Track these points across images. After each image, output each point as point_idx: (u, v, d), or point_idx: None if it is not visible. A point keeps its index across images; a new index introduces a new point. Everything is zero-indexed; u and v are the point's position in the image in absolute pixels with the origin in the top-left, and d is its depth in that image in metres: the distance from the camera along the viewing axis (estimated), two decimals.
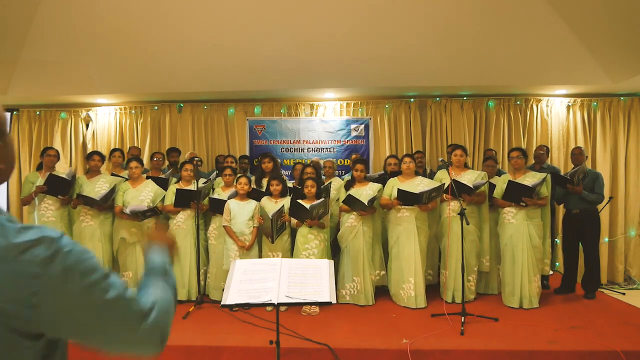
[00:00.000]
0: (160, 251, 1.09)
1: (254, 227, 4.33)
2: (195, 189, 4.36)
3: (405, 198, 4.21)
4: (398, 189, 4.25)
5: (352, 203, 4.30)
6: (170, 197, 4.53)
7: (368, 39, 5.00)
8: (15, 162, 0.87)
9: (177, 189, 4.43)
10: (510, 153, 4.54)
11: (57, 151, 4.82)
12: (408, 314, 4.09)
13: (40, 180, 4.57)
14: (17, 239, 0.72)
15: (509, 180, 4.27)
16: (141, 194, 4.53)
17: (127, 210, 4.32)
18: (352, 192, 4.44)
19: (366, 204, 4.21)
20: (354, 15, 4.80)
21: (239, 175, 4.63)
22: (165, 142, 6.24)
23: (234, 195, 4.45)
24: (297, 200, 4.15)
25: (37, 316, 0.72)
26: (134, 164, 4.62)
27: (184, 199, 4.43)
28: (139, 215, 4.33)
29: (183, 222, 4.52)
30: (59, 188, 4.51)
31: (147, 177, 4.79)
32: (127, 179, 4.70)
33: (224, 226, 4.33)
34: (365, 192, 4.43)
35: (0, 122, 0.82)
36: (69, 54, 5.10)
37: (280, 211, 4.14)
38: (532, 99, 6.06)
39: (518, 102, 6.08)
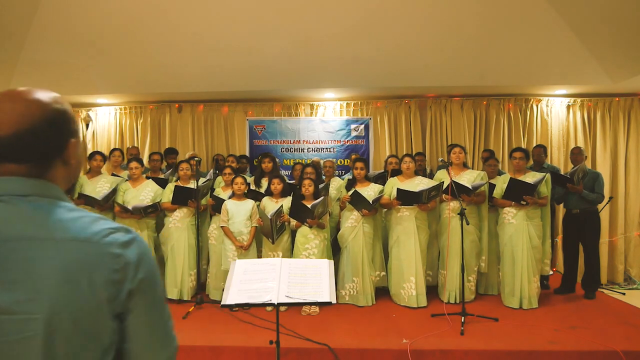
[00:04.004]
0: None
1: (252, 226, 4.33)
2: (195, 187, 4.37)
3: (405, 197, 4.20)
4: (397, 189, 4.24)
5: (356, 201, 4.29)
6: (167, 195, 4.54)
7: (368, 39, 5.00)
8: (82, 163, 0.95)
9: (175, 186, 4.44)
10: (513, 153, 4.51)
11: None
12: (408, 314, 4.09)
13: None
14: (99, 227, 0.81)
15: (511, 178, 4.25)
16: (141, 194, 4.54)
17: (129, 207, 4.36)
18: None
19: (371, 202, 4.21)
20: (354, 15, 4.80)
21: (235, 175, 4.63)
22: (165, 142, 6.24)
23: (234, 195, 4.45)
24: (300, 201, 4.15)
25: (118, 293, 0.79)
26: (134, 164, 4.62)
27: (181, 197, 4.44)
28: (140, 212, 4.39)
29: (179, 220, 4.53)
30: None
31: (147, 178, 4.79)
32: (127, 179, 4.71)
33: (221, 227, 4.33)
34: (367, 192, 4.42)
35: (73, 121, 0.89)
36: (69, 54, 5.10)
37: (279, 211, 4.14)
38: (532, 99, 6.06)
39: (518, 102, 6.08)
